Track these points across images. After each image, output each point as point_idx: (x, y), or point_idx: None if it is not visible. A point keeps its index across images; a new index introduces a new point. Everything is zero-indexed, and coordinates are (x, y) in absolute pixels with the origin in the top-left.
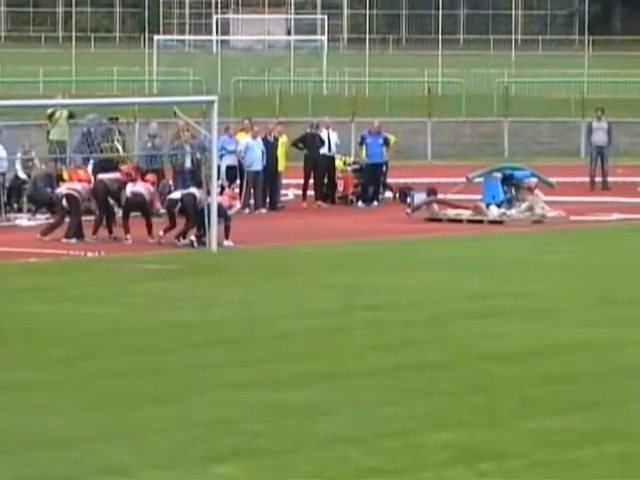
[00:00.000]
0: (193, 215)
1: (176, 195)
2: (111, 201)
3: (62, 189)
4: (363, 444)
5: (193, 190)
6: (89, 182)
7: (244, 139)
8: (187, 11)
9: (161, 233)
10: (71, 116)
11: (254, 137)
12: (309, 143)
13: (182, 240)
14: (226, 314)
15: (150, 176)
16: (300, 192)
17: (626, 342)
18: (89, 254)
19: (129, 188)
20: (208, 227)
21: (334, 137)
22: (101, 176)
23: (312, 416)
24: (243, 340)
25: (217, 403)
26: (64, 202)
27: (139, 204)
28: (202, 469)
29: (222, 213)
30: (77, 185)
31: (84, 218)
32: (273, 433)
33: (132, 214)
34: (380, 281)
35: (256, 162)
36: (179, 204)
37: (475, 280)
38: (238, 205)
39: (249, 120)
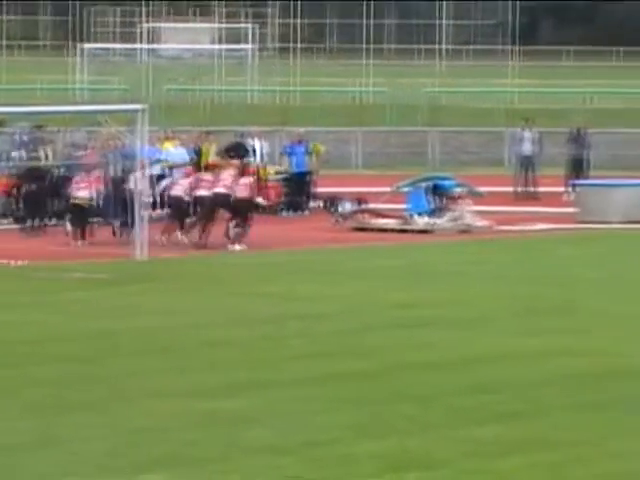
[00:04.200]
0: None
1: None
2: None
3: None
4: (292, 453)
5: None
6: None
7: (171, 148)
8: (115, 19)
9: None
10: (0, 124)
11: (180, 146)
12: (237, 152)
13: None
14: (156, 322)
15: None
16: None
17: (552, 352)
18: (16, 263)
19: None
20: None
21: (264, 146)
22: (28, 184)
23: (242, 425)
24: (173, 348)
25: (146, 411)
26: None
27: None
28: (129, 478)
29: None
30: None
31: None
32: (202, 442)
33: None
34: (309, 290)
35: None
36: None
37: (403, 289)
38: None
39: (171, 130)
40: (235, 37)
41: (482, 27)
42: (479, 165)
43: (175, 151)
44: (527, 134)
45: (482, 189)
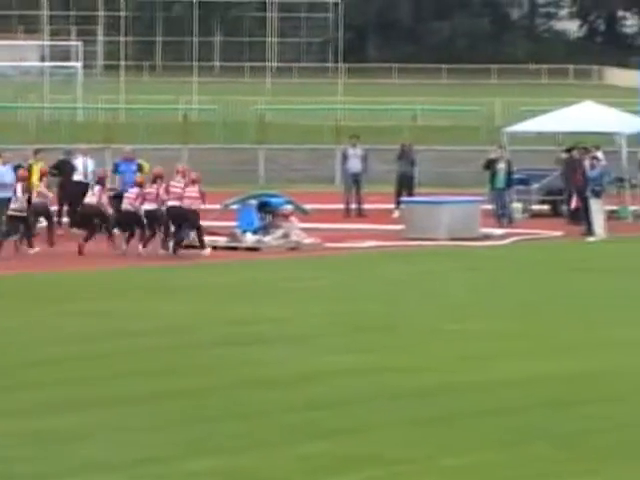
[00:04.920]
0: None
1: None
2: None
3: None
4: (125, 470)
5: None
6: None
7: None
8: None
9: None
10: None
11: (4, 164)
12: (62, 170)
13: None
14: None
15: None
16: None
17: (379, 368)
18: None
19: None
20: None
21: (90, 164)
22: None
23: (73, 442)
24: None
25: None
26: None
27: None
28: None
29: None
30: None
31: None
32: (30, 460)
33: None
34: (139, 307)
35: (6, 189)
36: None
37: (232, 307)
38: None
39: None
40: (62, 55)
41: (310, 45)
42: (308, 182)
43: (2, 168)
44: (353, 151)
45: (312, 207)
